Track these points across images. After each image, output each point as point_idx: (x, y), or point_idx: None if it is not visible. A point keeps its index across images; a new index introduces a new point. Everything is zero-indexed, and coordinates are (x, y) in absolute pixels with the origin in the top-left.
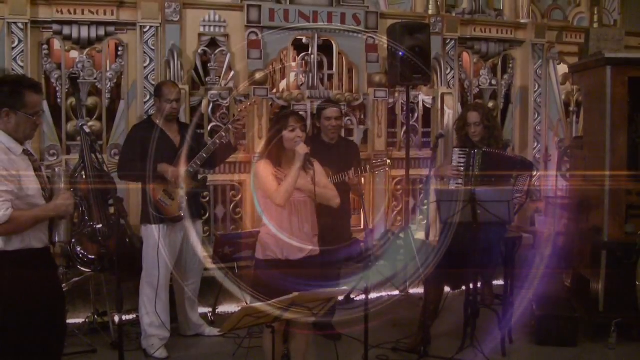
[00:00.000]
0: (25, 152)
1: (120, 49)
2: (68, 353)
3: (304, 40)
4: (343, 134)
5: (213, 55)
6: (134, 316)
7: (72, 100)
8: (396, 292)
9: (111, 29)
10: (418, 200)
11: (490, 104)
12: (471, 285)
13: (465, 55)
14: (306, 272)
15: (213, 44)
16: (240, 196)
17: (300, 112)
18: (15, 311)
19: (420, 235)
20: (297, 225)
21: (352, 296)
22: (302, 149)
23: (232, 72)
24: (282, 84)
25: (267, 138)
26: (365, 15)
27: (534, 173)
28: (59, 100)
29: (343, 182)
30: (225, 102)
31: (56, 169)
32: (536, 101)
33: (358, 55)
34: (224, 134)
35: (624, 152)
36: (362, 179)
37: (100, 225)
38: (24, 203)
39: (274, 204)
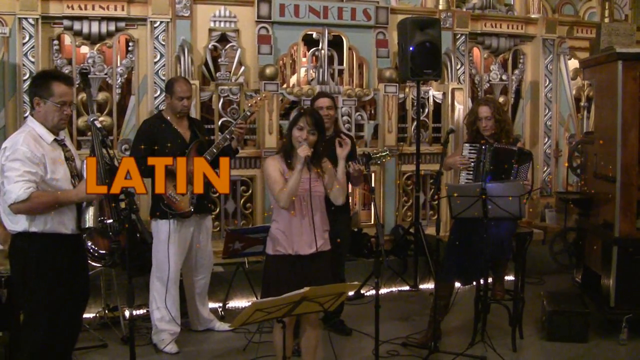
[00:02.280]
0: (58, 141)
1: (130, 44)
2: (79, 347)
3: (314, 35)
4: (354, 130)
5: (223, 51)
6: (145, 311)
7: (82, 95)
8: (407, 287)
9: (121, 24)
10: (428, 195)
11: (501, 99)
12: (482, 281)
13: (475, 50)
14: (317, 267)
15: (223, 39)
16: (250, 191)
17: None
18: (38, 292)
19: (430, 230)
20: (307, 220)
21: (362, 291)
22: (303, 151)
23: (243, 67)
24: (293, 79)
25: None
26: (376, 10)
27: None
28: None
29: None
30: (235, 97)
31: (83, 160)
32: (547, 96)
33: (368, 51)
34: (234, 129)
35: (635, 147)
36: (363, 172)
37: (110, 220)
38: (50, 187)
39: (277, 205)
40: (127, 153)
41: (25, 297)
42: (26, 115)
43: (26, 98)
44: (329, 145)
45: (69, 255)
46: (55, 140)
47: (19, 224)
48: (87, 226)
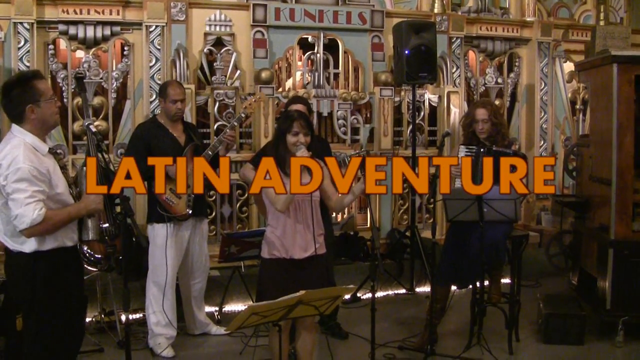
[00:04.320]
0: (50, 150)
1: (126, 48)
2: None
3: (310, 39)
4: (349, 133)
5: (219, 55)
6: (141, 315)
7: (78, 100)
8: (403, 291)
9: (117, 28)
10: (424, 198)
11: (497, 103)
12: (478, 284)
13: (471, 53)
14: (312, 270)
15: (219, 43)
16: (246, 195)
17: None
18: (47, 309)
19: (426, 233)
20: (302, 223)
21: (358, 294)
22: (303, 155)
23: (238, 71)
24: (288, 83)
25: (273, 136)
26: (371, 14)
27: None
28: (65, 100)
29: None
30: (231, 101)
31: (83, 169)
32: (542, 99)
33: (364, 54)
34: (228, 130)
35: (631, 150)
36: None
37: (106, 225)
38: (54, 201)
39: (274, 208)
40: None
41: (32, 313)
42: None
43: None
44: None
45: (72, 267)
46: (48, 150)
47: (25, 245)
48: (89, 238)
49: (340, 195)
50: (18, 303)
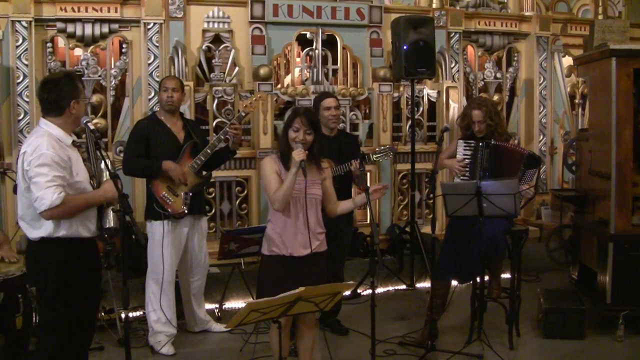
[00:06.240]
0: (74, 143)
1: (124, 46)
2: None
3: (308, 35)
4: (348, 129)
5: (217, 51)
6: (141, 313)
7: None
8: (403, 287)
9: (115, 26)
10: (424, 194)
11: (495, 97)
12: (478, 279)
13: (469, 48)
14: (311, 267)
15: (217, 40)
16: (245, 192)
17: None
18: (58, 297)
19: (426, 229)
20: (302, 221)
21: (358, 290)
22: (298, 155)
23: (237, 68)
24: (287, 79)
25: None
26: (369, 10)
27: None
28: None
29: (349, 171)
30: (230, 98)
31: (102, 163)
32: (541, 94)
33: (362, 50)
34: (228, 130)
35: (630, 143)
36: (368, 173)
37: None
38: (74, 189)
39: (272, 207)
40: (122, 155)
41: (44, 302)
42: (20, 118)
43: (20, 101)
44: (334, 142)
45: (87, 258)
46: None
47: (42, 229)
48: (109, 226)
49: (342, 201)
50: (37, 290)
